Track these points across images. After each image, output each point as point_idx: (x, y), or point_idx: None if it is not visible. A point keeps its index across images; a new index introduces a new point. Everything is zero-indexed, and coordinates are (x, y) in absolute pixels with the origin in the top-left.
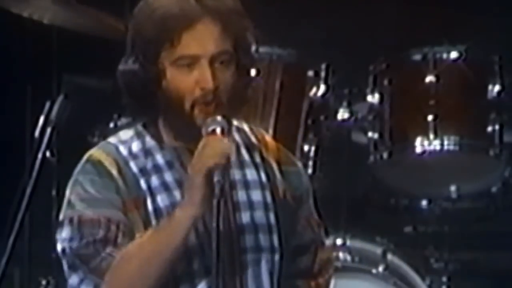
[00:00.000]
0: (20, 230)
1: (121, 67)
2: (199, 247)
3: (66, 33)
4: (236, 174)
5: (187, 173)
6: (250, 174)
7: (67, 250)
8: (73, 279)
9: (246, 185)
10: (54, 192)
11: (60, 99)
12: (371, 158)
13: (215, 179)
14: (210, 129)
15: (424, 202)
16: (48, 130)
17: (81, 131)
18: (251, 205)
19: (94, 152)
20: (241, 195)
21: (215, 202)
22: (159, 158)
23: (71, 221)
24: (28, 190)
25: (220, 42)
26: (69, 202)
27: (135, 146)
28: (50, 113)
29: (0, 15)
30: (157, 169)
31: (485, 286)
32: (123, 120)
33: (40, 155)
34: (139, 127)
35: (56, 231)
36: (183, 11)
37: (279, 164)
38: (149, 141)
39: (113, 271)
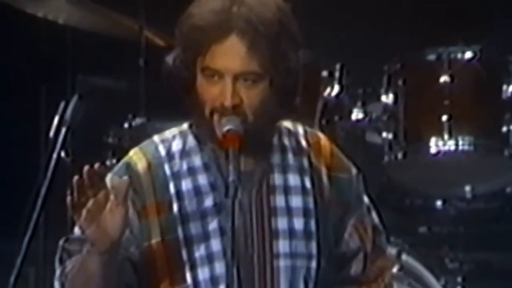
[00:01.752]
0: (35, 230)
1: (167, 58)
2: (222, 251)
3: (81, 33)
4: (276, 179)
5: (222, 176)
6: (293, 179)
7: (65, 243)
8: (57, 272)
9: (286, 190)
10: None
11: (74, 99)
12: (386, 158)
13: (230, 179)
14: (225, 129)
15: (438, 203)
16: (63, 130)
17: (96, 131)
18: (289, 210)
19: (133, 151)
20: (279, 200)
21: (229, 202)
22: (197, 160)
23: None
24: (43, 190)
25: (245, 62)
26: None
27: (175, 146)
28: (64, 113)
29: (15, 15)
30: (191, 171)
31: (500, 286)
32: (137, 121)
33: (54, 155)
34: (185, 126)
35: (70, 230)
36: (212, 24)
37: (329, 169)
38: (191, 141)
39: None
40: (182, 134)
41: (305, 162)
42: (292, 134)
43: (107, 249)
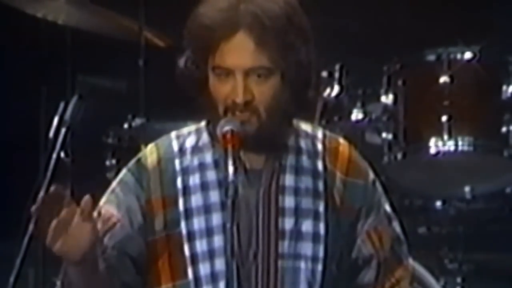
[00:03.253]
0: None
1: (179, 61)
2: (224, 248)
3: (80, 34)
4: (287, 179)
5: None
6: (305, 181)
7: None
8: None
9: (297, 191)
10: (68, 193)
11: (74, 99)
12: (385, 158)
13: (229, 179)
14: (224, 130)
15: (438, 203)
16: (63, 130)
17: (96, 132)
18: (297, 212)
19: (149, 146)
20: (288, 201)
21: (229, 202)
22: (208, 156)
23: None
24: (43, 191)
25: (255, 57)
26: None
27: (189, 142)
28: (64, 113)
29: (15, 15)
30: (202, 167)
31: (500, 286)
32: (137, 121)
33: (54, 156)
34: (202, 124)
35: None
36: (219, 22)
37: (345, 174)
38: (205, 138)
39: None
40: (198, 131)
41: (320, 166)
42: (310, 137)
43: (79, 260)
